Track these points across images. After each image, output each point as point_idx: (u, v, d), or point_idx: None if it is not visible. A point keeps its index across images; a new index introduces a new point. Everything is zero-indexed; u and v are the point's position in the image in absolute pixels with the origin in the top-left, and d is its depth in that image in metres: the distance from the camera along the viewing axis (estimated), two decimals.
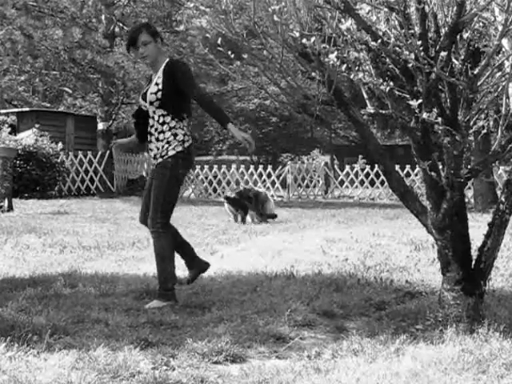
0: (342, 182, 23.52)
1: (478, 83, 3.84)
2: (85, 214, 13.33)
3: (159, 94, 4.82)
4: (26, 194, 17.22)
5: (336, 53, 3.72)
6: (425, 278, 5.79)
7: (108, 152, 21.73)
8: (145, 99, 4.94)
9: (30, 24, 18.93)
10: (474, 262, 4.14)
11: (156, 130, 4.88)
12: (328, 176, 24.33)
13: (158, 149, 4.87)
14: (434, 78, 3.77)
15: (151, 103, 4.87)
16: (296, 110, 4.23)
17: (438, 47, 3.76)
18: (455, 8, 3.65)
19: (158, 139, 4.87)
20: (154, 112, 4.88)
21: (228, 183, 23.61)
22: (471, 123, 4.00)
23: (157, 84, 4.84)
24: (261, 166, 24.28)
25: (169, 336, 4.00)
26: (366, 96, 4.23)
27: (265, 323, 4.24)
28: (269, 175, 23.17)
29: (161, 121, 4.86)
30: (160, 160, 4.87)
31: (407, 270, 6.24)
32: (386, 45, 3.69)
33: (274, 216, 11.88)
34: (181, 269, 5.29)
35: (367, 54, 3.95)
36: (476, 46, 4.11)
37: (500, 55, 3.92)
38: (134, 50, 4.85)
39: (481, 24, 4.12)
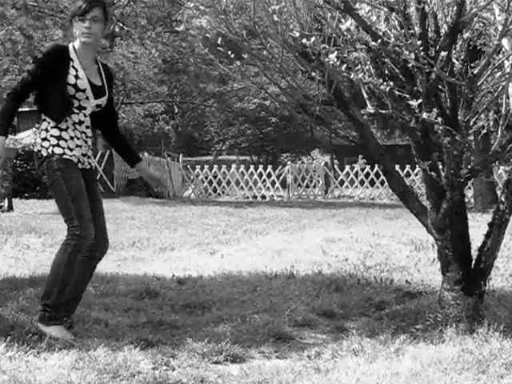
0: (342, 182, 23.55)
1: (478, 83, 3.85)
2: None
3: (105, 100, 4.19)
4: (26, 194, 17.22)
5: (336, 53, 3.72)
6: (425, 278, 5.79)
7: (108, 152, 21.74)
8: (96, 93, 4.12)
9: (30, 24, 18.93)
10: (473, 262, 4.14)
11: (88, 129, 4.16)
12: (328, 176, 24.34)
13: (91, 155, 4.24)
14: (433, 77, 3.77)
15: (99, 105, 4.16)
16: (296, 110, 4.23)
17: (438, 47, 3.76)
18: (455, 8, 3.65)
19: (87, 142, 4.17)
20: (87, 114, 4.13)
21: (228, 183, 23.62)
22: (471, 123, 4.00)
23: (104, 80, 4.19)
24: (261, 166, 24.29)
25: (169, 336, 3.99)
26: (366, 96, 4.23)
27: (265, 323, 4.24)
28: (269, 175, 23.18)
29: (89, 124, 4.16)
30: (91, 162, 4.24)
31: (407, 269, 6.24)
32: (386, 45, 3.69)
33: None
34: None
35: (367, 54, 3.95)
36: (475, 44, 4.12)
37: (500, 55, 3.92)
38: (78, 20, 4.00)
39: (481, 24, 4.12)
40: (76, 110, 4.07)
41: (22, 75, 4.11)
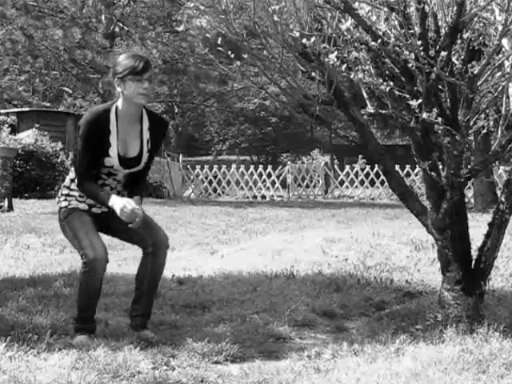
0: (342, 182, 23.55)
1: (478, 83, 3.84)
2: None
3: (145, 158, 3.97)
4: (26, 194, 17.21)
5: (336, 53, 3.72)
6: (425, 277, 5.79)
7: None
8: (129, 164, 3.90)
9: (30, 24, 18.93)
10: (473, 262, 4.14)
11: (112, 191, 3.97)
12: (328, 176, 24.34)
13: None
14: (433, 78, 3.77)
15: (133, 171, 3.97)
16: (296, 110, 4.23)
17: (438, 47, 3.76)
18: (455, 8, 3.65)
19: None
20: (117, 179, 3.99)
21: (228, 183, 23.63)
22: (471, 123, 4.00)
23: (144, 145, 3.93)
24: (261, 166, 24.29)
25: (169, 336, 3.99)
26: (366, 96, 4.23)
27: (265, 323, 4.24)
28: (269, 175, 23.18)
29: (115, 186, 3.99)
30: None
31: (407, 270, 6.24)
32: (386, 45, 3.69)
33: None
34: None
35: (367, 54, 3.95)
36: (475, 45, 4.11)
37: (500, 55, 3.92)
38: (135, 80, 3.74)
39: (481, 24, 4.12)
40: (104, 176, 3.92)
41: (76, 158, 3.87)
